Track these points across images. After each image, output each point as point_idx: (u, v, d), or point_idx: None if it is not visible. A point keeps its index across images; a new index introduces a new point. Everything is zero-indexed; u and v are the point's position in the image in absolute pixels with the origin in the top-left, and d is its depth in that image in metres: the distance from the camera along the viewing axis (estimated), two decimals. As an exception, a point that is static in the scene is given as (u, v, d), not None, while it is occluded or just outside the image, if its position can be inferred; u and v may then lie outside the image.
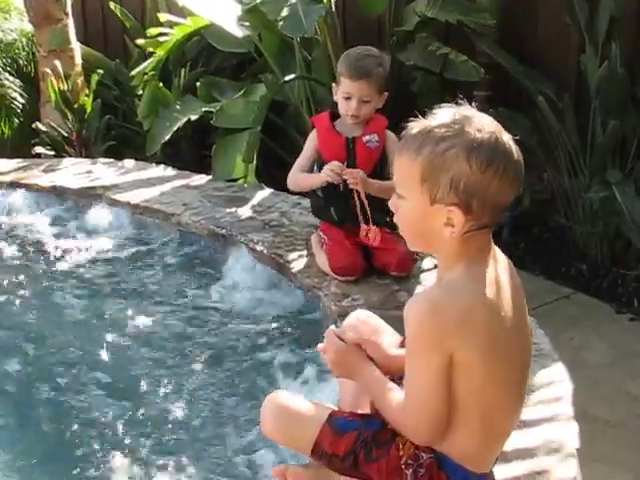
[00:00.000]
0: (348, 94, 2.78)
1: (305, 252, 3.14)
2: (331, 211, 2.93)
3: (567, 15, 4.21)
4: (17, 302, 3.26)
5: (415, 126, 1.53)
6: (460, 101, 1.57)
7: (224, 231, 3.42)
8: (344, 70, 2.79)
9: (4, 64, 6.00)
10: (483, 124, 1.49)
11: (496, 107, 4.22)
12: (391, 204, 1.60)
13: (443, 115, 1.51)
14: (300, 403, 1.70)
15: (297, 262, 3.08)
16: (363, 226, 2.79)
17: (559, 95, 4.19)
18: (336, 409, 1.77)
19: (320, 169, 2.84)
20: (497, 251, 1.59)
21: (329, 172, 2.74)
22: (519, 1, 4.45)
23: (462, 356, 1.47)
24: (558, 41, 4.41)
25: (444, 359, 1.48)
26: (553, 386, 2.17)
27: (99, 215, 4.05)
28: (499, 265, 1.56)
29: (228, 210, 3.64)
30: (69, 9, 5.71)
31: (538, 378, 2.21)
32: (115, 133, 5.51)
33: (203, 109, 4.48)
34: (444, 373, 1.49)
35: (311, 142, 2.95)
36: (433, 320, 1.48)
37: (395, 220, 1.60)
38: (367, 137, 2.85)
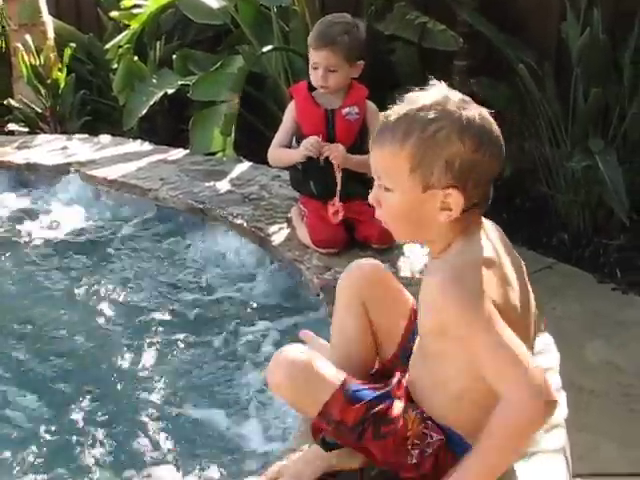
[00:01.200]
0: (315, 64, 2.72)
1: (285, 225, 3.09)
2: (310, 185, 2.88)
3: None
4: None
5: (393, 113, 1.49)
6: (432, 81, 1.54)
7: (202, 205, 3.36)
8: (310, 39, 2.74)
9: (-26, 40, 5.86)
10: (464, 102, 1.48)
11: (476, 76, 4.19)
12: (372, 198, 1.54)
13: (422, 98, 1.47)
14: (317, 363, 1.61)
15: (277, 235, 3.03)
16: (329, 203, 2.76)
17: (540, 63, 4.15)
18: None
19: (299, 142, 2.78)
20: (489, 224, 1.59)
21: (309, 147, 2.69)
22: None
23: None
24: (539, 8, 4.36)
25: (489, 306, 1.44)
26: (541, 357, 2.15)
27: (75, 191, 3.98)
28: (493, 234, 1.57)
29: (207, 184, 3.57)
30: (40, -17, 5.58)
31: (524, 348, 2.19)
32: (90, 108, 5.41)
33: (179, 82, 4.40)
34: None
35: (289, 114, 2.89)
36: (466, 284, 1.44)
37: (378, 214, 1.55)
38: (347, 109, 2.79)
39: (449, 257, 1.51)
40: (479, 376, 1.45)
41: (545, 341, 2.21)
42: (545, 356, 2.15)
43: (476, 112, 1.46)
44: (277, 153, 2.89)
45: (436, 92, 1.49)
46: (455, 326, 1.45)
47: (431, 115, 1.44)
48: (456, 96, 1.49)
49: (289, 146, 2.88)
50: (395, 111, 1.49)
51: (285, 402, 1.76)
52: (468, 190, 1.45)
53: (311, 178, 2.85)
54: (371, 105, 2.82)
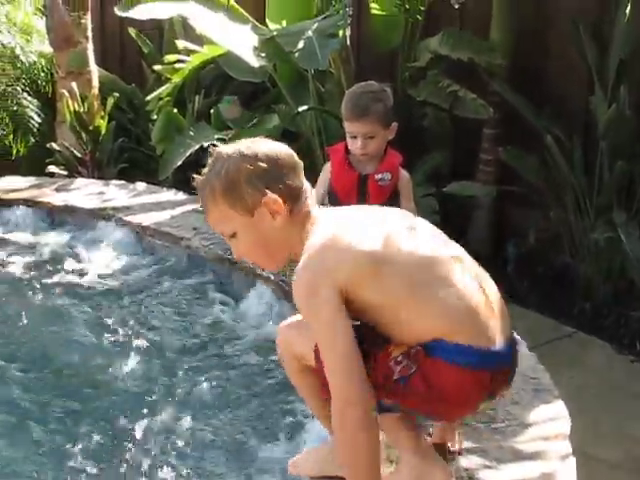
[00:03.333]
0: (352, 133, 2.81)
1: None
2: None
3: (577, 56, 4.28)
4: (23, 318, 3.29)
5: (196, 185, 1.77)
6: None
7: (232, 257, 3.45)
8: (344, 111, 2.82)
9: (23, 84, 6.10)
10: (233, 146, 1.76)
11: (504, 145, 4.30)
12: (236, 256, 1.78)
13: (205, 167, 1.77)
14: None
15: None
16: None
17: (567, 135, 4.25)
18: None
19: (331, 201, 2.87)
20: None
21: None
22: (530, 42, 4.52)
23: (357, 276, 1.60)
24: (568, 82, 4.48)
25: (338, 296, 1.58)
26: (553, 423, 2.19)
27: (109, 236, 4.10)
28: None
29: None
30: (89, 33, 5.83)
31: (538, 413, 2.23)
32: (128, 156, 5.59)
33: (216, 136, 4.55)
34: (346, 315, 1.59)
35: (325, 174, 2.97)
36: (308, 274, 1.61)
37: (248, 259, 1.82)
38: (380, 175, 2.87)
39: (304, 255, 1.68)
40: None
41: (557, 409, 2.25)
42: (557, 422, 2.19)
43: (243, 144, 1.74)
44: None
45: (213, 152, 1.77)
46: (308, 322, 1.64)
47: (214, 166, 1.73)
48: (224, 147, 1.77)
49: (323, 204, 2.97)
50: (196, 182, 1.77)
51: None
52: (277, 189, 1.69)
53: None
54: (404, 173, 2.90)
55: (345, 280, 1.59)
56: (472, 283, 1.64)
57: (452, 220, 4.56)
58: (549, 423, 2.18)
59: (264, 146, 1.74)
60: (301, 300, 1.63)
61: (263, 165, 1.70)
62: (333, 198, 2.92)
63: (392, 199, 2.86)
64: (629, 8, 4.05)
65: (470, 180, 4.45)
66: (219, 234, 1.82)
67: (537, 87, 4.50)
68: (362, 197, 2.86)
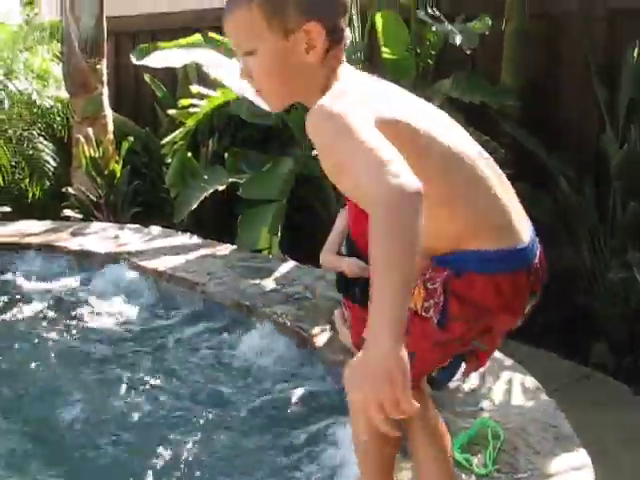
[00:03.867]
0: None
1: (328, 326, 3.18)
2: (356, 291, 2.97)
3: (588, 98, 4.32)
4: (37, 363, 3.30)
5: None
6: None
7: (248, 303, 3.48)
8: None
9: (40, 129, 6.20)
10: None
11: (518, 185, 4.31)
12: (243, 73, 1.54)
13: None
14: None
15: (320, 336, 3.12)
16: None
17: (580, 174, 4.26)
18: None
19: (348, 247, 2.89)
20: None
21: (356, 269, 2.78)
22: (542, 83, 4.57)
23: (391, 121, 1.42)
24: (579, 122, 4.51)
25: (371, 116, 1.38)
26: (576, 472, 2.18)
27: (124, 280, 4.13)
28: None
29: (252, 281, 3.70)
30: (105, 78, 5.93)
31: (560, 463, 2.22)
32: (142, 199, 5.65)
33: (230, 180, 4.59)
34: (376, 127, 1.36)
35: (341, 219, 3.00)
36: (332, 105, 1.39)
37: (254, 87, 1.55)
38: None
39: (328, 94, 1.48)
40: None
41: (580, 458, 2.23)
42: (580, 472, 2.18)
43: None
44: (328, 258, 2.99)
45: None
46: (330, 151, 1.38)
47: None
48: None
49: (339, 249, 2.99)
50: None
51: None
52: (325, 21, 1.48)
53: (357, 285, 2.94)
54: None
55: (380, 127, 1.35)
56: (498, 180, 1.57)
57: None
58: (572, 473, 2.17)
59: None
60: (318, 127, 1.38)
61: None
62: (350, 245, 2.94)
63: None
64: (637, 49, 4.09)
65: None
66: (232, 42, 1.58)
67: (548, 127, 4.52)
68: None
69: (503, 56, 4.38)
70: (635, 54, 4.10)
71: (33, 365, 3.28)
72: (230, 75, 4.54)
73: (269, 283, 3.69)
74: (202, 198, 4.64)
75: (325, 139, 1.38)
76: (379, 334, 1.19)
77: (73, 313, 3.85)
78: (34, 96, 6.13)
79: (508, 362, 2.88)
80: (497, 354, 2.75)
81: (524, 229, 1.57)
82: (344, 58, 1.56)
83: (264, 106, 1.61)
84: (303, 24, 1.47)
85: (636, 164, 4.02)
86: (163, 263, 4.10)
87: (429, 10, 4.38)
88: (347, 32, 1.56)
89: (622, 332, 4.16)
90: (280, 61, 1.49)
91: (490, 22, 4.17)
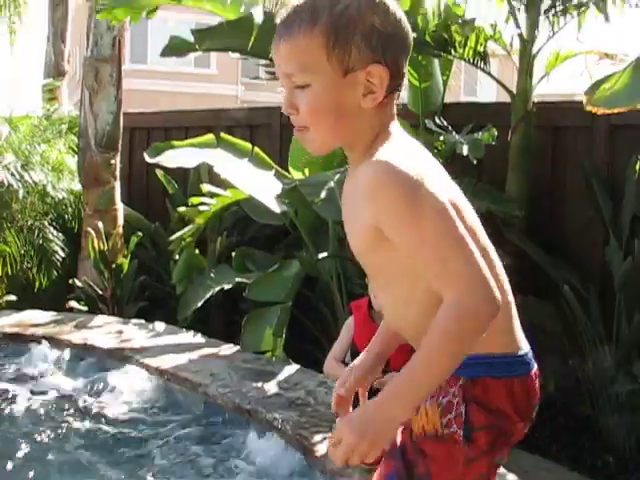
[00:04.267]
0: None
1: (330, 434, 3.13)
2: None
3: (591, 209, 4.38)
4: (35, 459, 3.25)
5: (290, 6, 1.38)
6: None
7: (249, 406, 3.45)
8: None
9: (51, 219, 6.29)
10: None
11: (522, 294, 4.33)
12: (286, 107, 1.40)
13: None
14: None
15: (321, 445, 3.07)
16: None
17: (584, 285, 4.28)
18: None
19: (353, 357, 2.88)
20: None
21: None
22: (546, 193, 4.65)
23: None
24: (583, 232, 4.56)
25: (433, 193, 1.31)
26: None
27: (127, 378, 4.10)
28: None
29: (255, 384, 3.68)
30: (117, 172, 6.05)
31: None
32: (148, 294, 5.67)
33: (236, 279, 4.62)
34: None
35: (347, 330, 2.99)
36: (403, 169, 1.29)
37: (297, 122, 1.40)
38: None
39: (382, 150, 1.36)
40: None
41: None
42: None
43: None
44: (331, 368, 2.97)
45: None
46: (387, 220, 1.31)
47: None
48: None
49: (344, 359, 2.98)
50: (293, 3, 1.38)
51: None
52: (389, 64, 1.35)
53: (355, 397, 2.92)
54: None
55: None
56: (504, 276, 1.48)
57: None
58: None
59: (399, 9, 1.39)
60: (385, 196, 1.28)
61: (392, 28, 1.36)
62: (355, 352, 2.93)
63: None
64: (638, 165, 4.18)
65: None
66: (279, 69, 1.39)
67: (553, 237, 4.57)
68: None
69: (508, 166, 4.47)
70: (637, 168, 4.18)
71: (27, 460, 3.23)
72: (240, 176, 4.65)
73: (271, 387, 3.67)
74: (207, 296, 4.66)
75: (399, 208, 1.29)
76: (398, 399, 1.31)
77: (72, 408, 3.82)
78: (48, 187, 6.25)
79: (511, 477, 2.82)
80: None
81: (522, 332, 1.53)
82: (395, 111, 1.43)
83: (306, 146, 1.46)
84: (367, 63, 1.34)
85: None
86: (166, 361, 4.09)
87: (436, 120, 4.50)
88: (405, 81, 1.44)
89: (630, 445, 4.09)
90: (333, 100, 1.35)
91: (496, 133, 4.27)
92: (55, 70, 8.82)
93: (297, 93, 1.36)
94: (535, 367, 1.51)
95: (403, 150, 1.36)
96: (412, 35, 1.42)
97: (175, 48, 4.20)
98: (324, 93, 1.34)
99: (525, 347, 1.49)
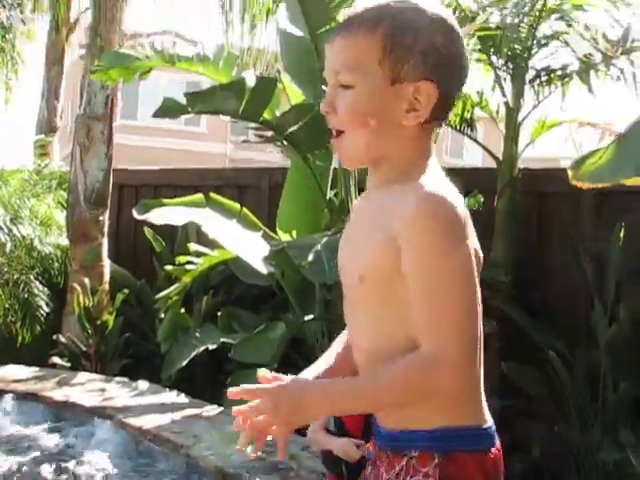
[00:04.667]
0: None
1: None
2: (342, 466, 2.90)
3: (576, 274, 4.42)
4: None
5: (354, 8, 1.34)
6: None
7: (232, 470, 3.40)
8: None
9: (37, 273, 6.26)
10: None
11: (507, 359, 4.34)
12: (325, 104, 1.33)
13: None
14: None
15: (303, 511, 3.03)
16: None
17: (570, 349, 4.29)
18: None
19: (336, 424, 2.84)
20: None
21: (347, 451, 2.69)
22: (532, 258, 4.69)
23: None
24: (569, 297, 4.60)
25: (470, 256, 1.27)
26: None
27: (107, 437, 4.04)
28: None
29: (238, 447, 3.62)
30: (106, 229, 6.07)
31: None
32: (133, 351, 5.62)
33: (222, 339, 4.61)
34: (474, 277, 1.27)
35: None
36: (448, 206, 1.25)
37: (335, 122, 1.33)
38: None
39: (414, 181, 1.28)
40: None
41: None
42: None
43: (446, 12, 1.36)
44: (316, 436, 2.91)
45: None
46: (415, 250, 1.25)
47: (404, 5, 1.30)
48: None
49: (327, 426, 2.92)
50: (359, 4, 1.34)
51: None
52: (440, 87, 1.29)
53: (345, 462, 2.87)
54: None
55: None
56: None
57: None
58: None
59: (463, 40, 1.36)
60: (428, 228, 1.23)
61: (452, 53, 1.31)
62: (339, 423, 2.89)
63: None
64: (622, 231, 4.24)
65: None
66: (328, 64, 1.33)
67: (538, 302, 4.60)
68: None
69: (495, 231, 4.53)
70: (621, 235, 4.24)
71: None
72: (228, 236, 4.68)
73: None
74: (192, 356, 4.63)
75: (433, 243, 1.24)
76: (326, 400, 1.32)
77: (51, 467, 3.75)
78: (35, 242, 6.25)
79: None
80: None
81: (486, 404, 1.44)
82: (434, 147, 1.37)
83: (339, 156, 1.39)
84: (419, 78, 1.28)
85: (625, 345, 4.07)
86: (148, 421, 4.03)
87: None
88: (450, 115, 1.39)
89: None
90: (374, 106, 1.29)
91: (482, 199, 4.34)
92: (47, 126, 8.91)
93: (340, 92, 1.31)
94: (498, 440, 1.43)
95: (451, 190, 1.29)
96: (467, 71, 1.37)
97: (168, 110, 4.27)
98: (367, 96, 1.29)
99: (490, 419, 1.40)
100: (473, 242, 1.30)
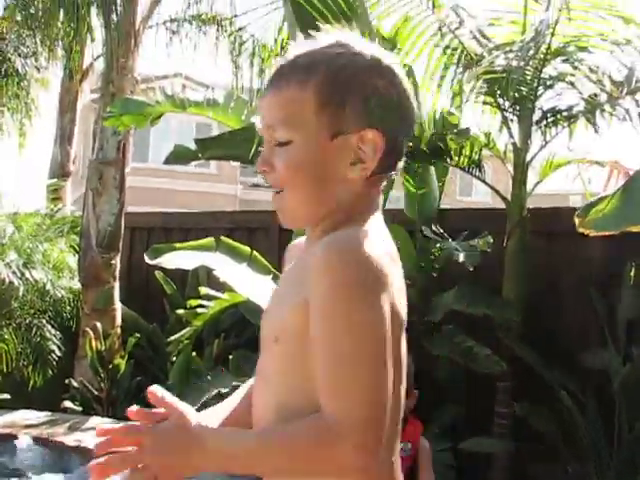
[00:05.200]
0: None
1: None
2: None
3: (588, 314, 4.41)
4: None
5: (288, 55, 1.21)
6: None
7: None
8: None
9: (49, 317, 6.29)
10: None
11: (519, 398, 4.32)
12: (261, 163, 1.20)
13: (320, 39, 1.22)
14: None
15: None
16: None
17: (582, 389, 4.26)
18: None
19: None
20: None
21: None
22: (542, 298, 4.69)
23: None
24: (580, 337, 4.58)
25: (383, 313, 1.07)
26: None
27: (120, 482, 4.03)
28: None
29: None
30: (117, 273, 6.11)
31: None
32: (144, 394, 5.60)
33: (233, 383, 4.60)
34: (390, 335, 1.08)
35: None
36: (361, 254, 1.08)
37: (272, 179, 1.20)
38: (401, 445, 2.86)
39: (348, 231, 1.15)
40: None
41: None
42: None
43: (385, 52, 1.24)
44: None
45: (335, 35, 1.24)
46: (322, 302, 1.07)
47: (339, 48, 1.19)
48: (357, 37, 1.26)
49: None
50: (290, 53, 1.22)
51: None
52: (387, 134, 1.17)
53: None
54: (424, 444, 2.90)
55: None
56: None
57: (468, 476, 4.48)
58: None
59: (407, 81, 1.23)
60: (331, 275, 1.06)
61: (396, 97, 1.19)
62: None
63: (411, 473, 2.83)
64: (633, 270, 4.24)
65: (486, 433, 4.41)
66: (263, 121, 1.21)
67: (550, 341, 4.59)
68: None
69: (505, 270, 4.53)
70: (632, 274, 4.25)
71: None
72: (238, 279, 4.70)
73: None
74: (204, 399, 4.62)
75: (345, 295, 1.06)
76: (209, 451, 1.10)
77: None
78: (48, 286, 6.29)
79: None
80: None
81: None
82: (381, 201, 1.25)
83: (279, 216, 1.25)
84: (362, 128, 1.16)
85: (639, 383, 4.04)
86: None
87: (433, 227, 4.59)
88: (400, 165, 1.24)
89: None
90: (315, 162, 1.16)
91: (491, 240, 4.35)
92: (60, 171, 9.03)
93: (276, 149, 1.18)
94: None
95: (378, 240, 1.14)
96: (416, 117, 1.26)
97: (179, 156, 4.34)
98: (306, 152, 1.16)
99: None
100: (391, 297, 1.10)
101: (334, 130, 1.16)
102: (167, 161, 4.41)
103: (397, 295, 1.13)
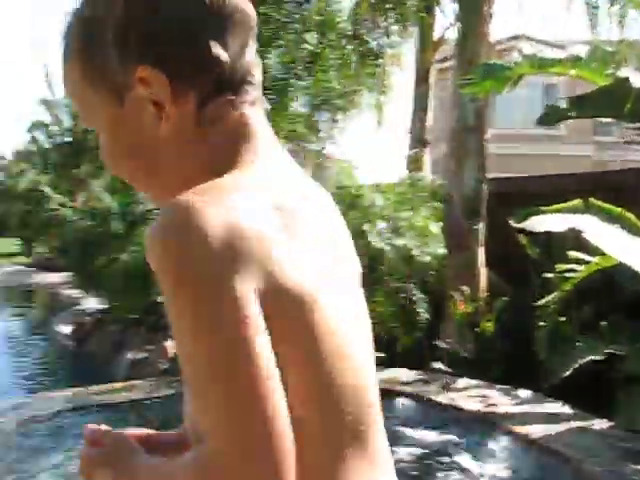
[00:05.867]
0: None
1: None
2: None
3: None
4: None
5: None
6: None
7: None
8: None
9: (414, 282, 6.61)
10: None
11: None
12: (105, 158, 0.98)
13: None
14: None
15: None
16: None
17: None
18: None
19: None
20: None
21: None
22: None
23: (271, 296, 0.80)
24: None
25: (251, 292, 0.78)
26: None
27: (494, 444, 4.12)
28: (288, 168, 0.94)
29: (634, 466, 3.45)
30: (481, 237, 6.19)
31: None
32: (510, 359, 5.65)
33: (605, 351, 4.42)
34: (261, 323, 0.78)
35: None
36: (208, 221, 0.79)
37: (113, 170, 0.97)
38: None
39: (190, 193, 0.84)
40: None
41: None
42: None
43: None
44: None
45: None
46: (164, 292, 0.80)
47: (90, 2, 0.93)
48: None
49: None
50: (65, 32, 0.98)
51: None
52: (171, 65, 0.88)
53: None
54: None
55: (265, 285, 0.80)
56: None
57: None
58: None
59: None
60: (160, 253, 0.79)
61: (156, 11, 0.90)
62: None
63: None
64: None
65: None
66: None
67: None
68: None
69: None
70: None
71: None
72: (610, 242, 4.46)
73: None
74: (574, 367, 4.51)
75: (171, 282, 0.79)
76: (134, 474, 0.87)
77: (440, 467, 3.93)
78: (414, 251, 6.59)
79: None
80: None
81: None
82: (253, 114, 0.93)
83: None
84: (132, 74, 0.90)
85: None
86: (534, 430, 4.02)
87: None
88: (251, 66, 0.94)
89: None
90: (125, 139, 0.94)
91: None
92: (419, 141, 9.39)
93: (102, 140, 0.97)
94: None
95: (245, 194, 0.85)
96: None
97: (550, 117, 4.22)
98: (114, 132, 0.94)
99: None
100: (263, 270, 0.80)
101: (112, 90, 0.92)
102: (540, 122, 4.33)
103: (282, 259, 0.82)
